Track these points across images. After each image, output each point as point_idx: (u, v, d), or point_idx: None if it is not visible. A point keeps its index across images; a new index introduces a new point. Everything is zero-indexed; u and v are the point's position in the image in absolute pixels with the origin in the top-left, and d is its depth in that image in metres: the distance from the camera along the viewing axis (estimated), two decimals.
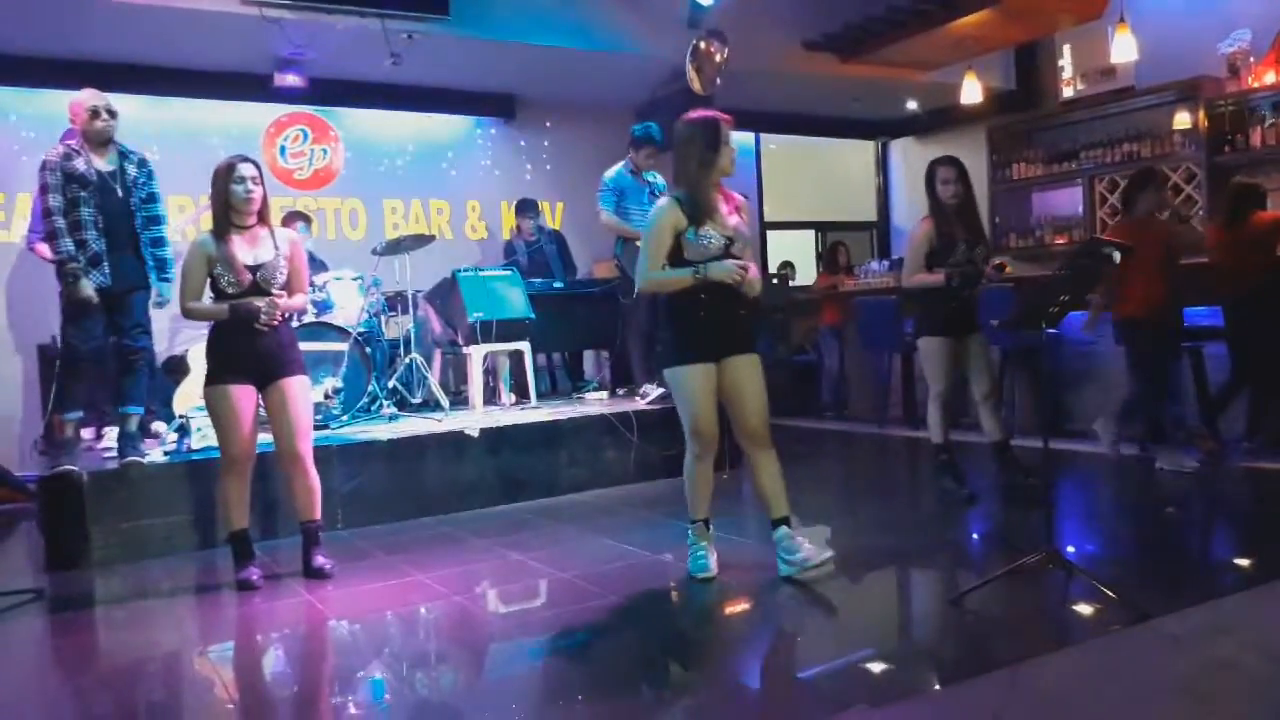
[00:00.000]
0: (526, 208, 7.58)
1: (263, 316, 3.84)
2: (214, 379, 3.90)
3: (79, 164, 4.47)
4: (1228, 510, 4.81)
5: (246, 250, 3.91)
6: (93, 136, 4.52)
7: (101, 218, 4.50)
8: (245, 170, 3.89)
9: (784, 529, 3.62)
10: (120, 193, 4.58)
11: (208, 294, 3.93)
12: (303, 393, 4.01)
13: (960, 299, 4.63)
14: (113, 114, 4.56)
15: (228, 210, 3.89)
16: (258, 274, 3.88)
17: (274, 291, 3.91)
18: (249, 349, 3.88)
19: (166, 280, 4.73)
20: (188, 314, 3.97)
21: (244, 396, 3.89)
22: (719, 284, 3.49)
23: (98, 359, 4.64)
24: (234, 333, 3.87)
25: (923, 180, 4.79)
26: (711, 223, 3.54)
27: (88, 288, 4.43)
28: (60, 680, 3.25)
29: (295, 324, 5.44)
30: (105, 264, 4.50)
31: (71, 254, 4.41)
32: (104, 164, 4.56)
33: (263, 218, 3.98)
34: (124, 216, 4.59)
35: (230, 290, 3.87)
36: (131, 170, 4.64)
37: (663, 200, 3.63)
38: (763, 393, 3.62)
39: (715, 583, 3.59)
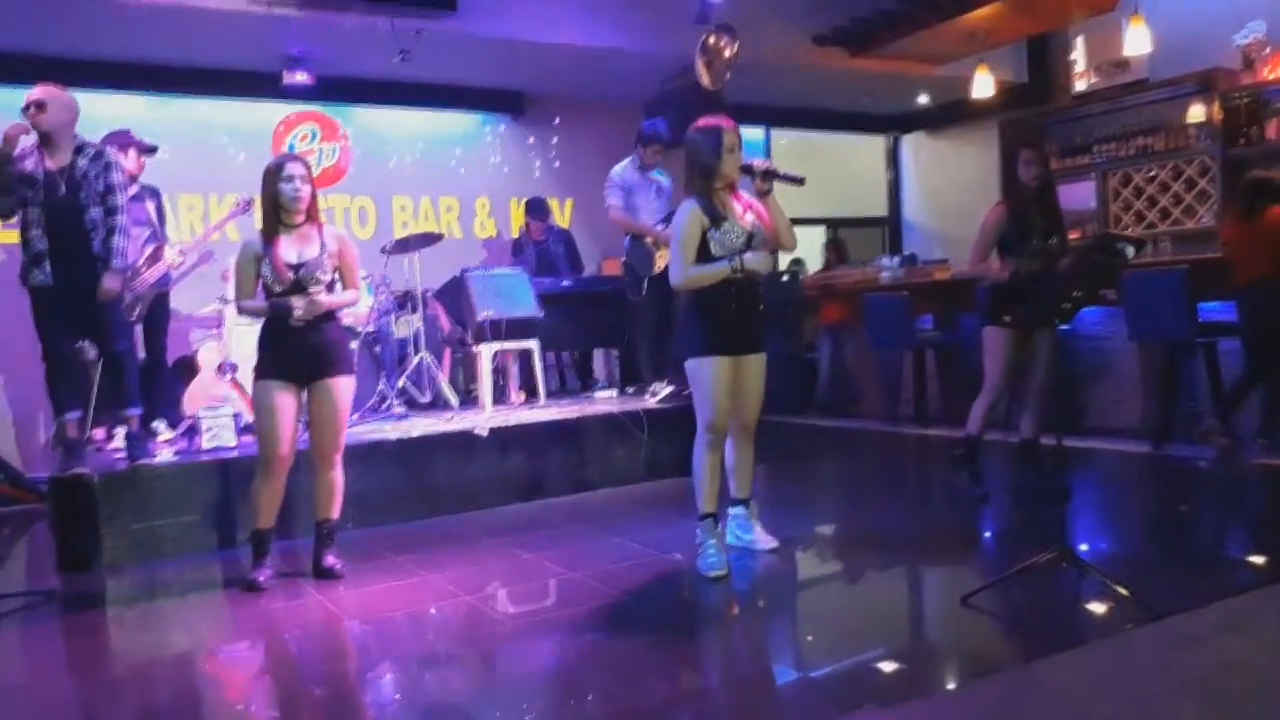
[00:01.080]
0: (537, 209, 7.57)
1: (296, 313, 3.85)
2: (260, 374, 3.94)
3: (29, 164, 4.44)
4: (1242, 508, 4.77)
5: (292, 249, 3.92)
6: (39, 130, 4.43)
7: (45, 216, 4.45)
8: (294, 169, 3.90)
9: (744, 509, 4.03)
10: (65, 189, 4.48)
11: (261, 294, 3.96)
12: (346, 393, 4.03)
13: (1035, 289, 4.29)
14: (40, 107, 4.41)
15: (276, 209, 3.91)
16: (299, 272, 3.89)
17: (314, 289, 3.91)
18: (295, 346, 3.90)
19: (109, 269, 4.54)
20: (241, 311, 4.11)
21: (286, 396, 3.90)
22: (746, 280, 3.67)
23: (80, 359, 4.60)
24: (280, 330, 3.90)
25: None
26: (729, 220, 3.70)
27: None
28: (73, 681, 3.25)
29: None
30: (47, 263, 4.46)
31: (20, 254, 4.44)
32: (54, 161, 4.49)
33: (311, 216, 3.99)
34: (72, 214, 4.49)
35: (275, 289, 3.89)
36: (83, 164, 4.53)
37: (686, 203, 3.76)
38: (763, 389, 3.87)
39: (724, 581, 3.57)
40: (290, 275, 3.88)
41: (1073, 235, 8.77)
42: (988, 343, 4.58)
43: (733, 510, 4.03)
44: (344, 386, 4.00)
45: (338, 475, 4.06)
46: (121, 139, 5.46)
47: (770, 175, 3.79)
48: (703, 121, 3.78)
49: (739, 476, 4.00)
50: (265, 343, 3.96)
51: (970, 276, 4.64)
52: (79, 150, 4.56)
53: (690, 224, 3.68)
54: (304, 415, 4.05)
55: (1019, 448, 4.78)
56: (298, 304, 3.86)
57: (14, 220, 4.55)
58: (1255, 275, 5.27)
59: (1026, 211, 4.48)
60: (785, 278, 9.23)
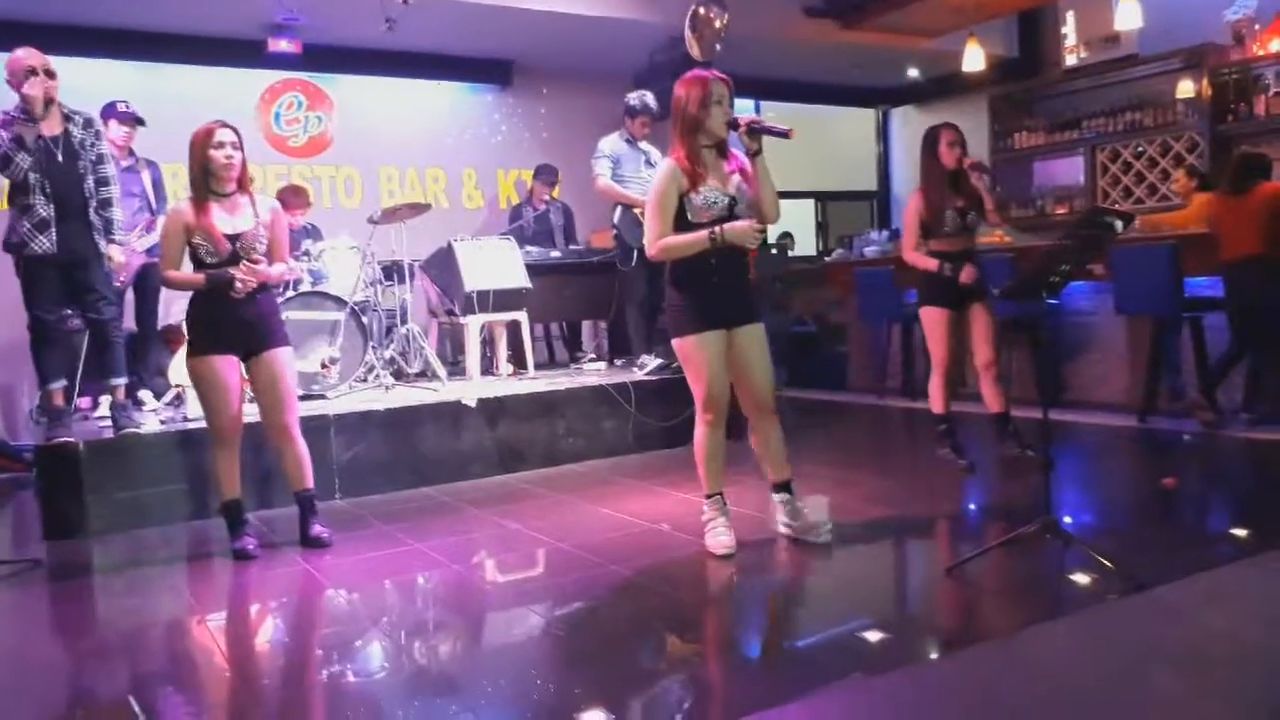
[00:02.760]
0: (546, 172, 7.53)
1: (238, 284, 3.78)
2: (196, 350, 3.85)
3: (20, 129, 4.32)
4: (1225, 480, 4.81)
5: (225, 219, 3.83)
6: (26, 101, 4.32)
7: (47, 183, 4.38)
8: (224, 136, 3.80)
9: (785, 493, 3.71)
10: (64, 158, 4.44)
11: (188, 263, 3.87)
12: (288, 364, 3.99)
13: (959, 272, 4.61)
14: (51, 74, 4.37)
15: (206, 177, 3.81)
16: (237, 243, 3.81)
17: (253, 260, 3.84)
18: (230, 319, 3.82)
19: (115, 242, 4.60)
20: (165, 282, 3.95)
21: (228, 368, 3.85)
22: (730, 249, 3.44)
23: (65, 327, 4.58)
24: (214, 303, 3.81)
25: (922, 141, 4.75)
26: (712, 183, 3.47)
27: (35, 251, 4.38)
28: (60, 648, 3.25)
29: (291, 293, 5.45)
30: (53, 231, 4.40)
31: (14, 221, 4.36)
32: (47, 128, 4.40)
33: (242, 185, 3.90)
34: (73, 183, 4.46)
35: (209, 260, 3.80)
36: (77, 133, 4.49)
37: (663, 162, 3.55)
38: (769, 362, 3.62)
39: (708, 550, 3.58)
40: (228, 246, 3.80)
41: (1060, 210, 8.85)
42: (926, 323, 4.78)
43: (775, 497, 3.75)
44: (285, 356, 3.96)
45: (300, 445, 4.02)
46: (103, 110, 5.38)
47: (756, 130, 3.49)
48: (689, 74, 3.56)
49: (771, 460, 3.71)
50: (200, 317, 3.87)
51: (911, 266, 4.78)
52: (68, 118, 4.50)
53: (667, 185, 3.45)
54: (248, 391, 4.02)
55: (992, 421, 4.88)
56: (241, 276, 3.78)
57: None
58: (1242, 251, 5.29)
59: (939, 195, 4.62)
60: (774, 251, 9.23)
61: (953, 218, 4.61)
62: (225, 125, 3.86)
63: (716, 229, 3.41)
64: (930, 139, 4.68)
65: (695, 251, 3.44)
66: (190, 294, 3.91)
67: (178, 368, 5.35)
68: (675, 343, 3.56)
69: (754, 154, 3.51)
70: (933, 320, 4.74)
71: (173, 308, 6.59)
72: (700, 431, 3.61)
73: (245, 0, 6.40)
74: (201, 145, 3.80)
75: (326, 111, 7.93)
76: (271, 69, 7.50)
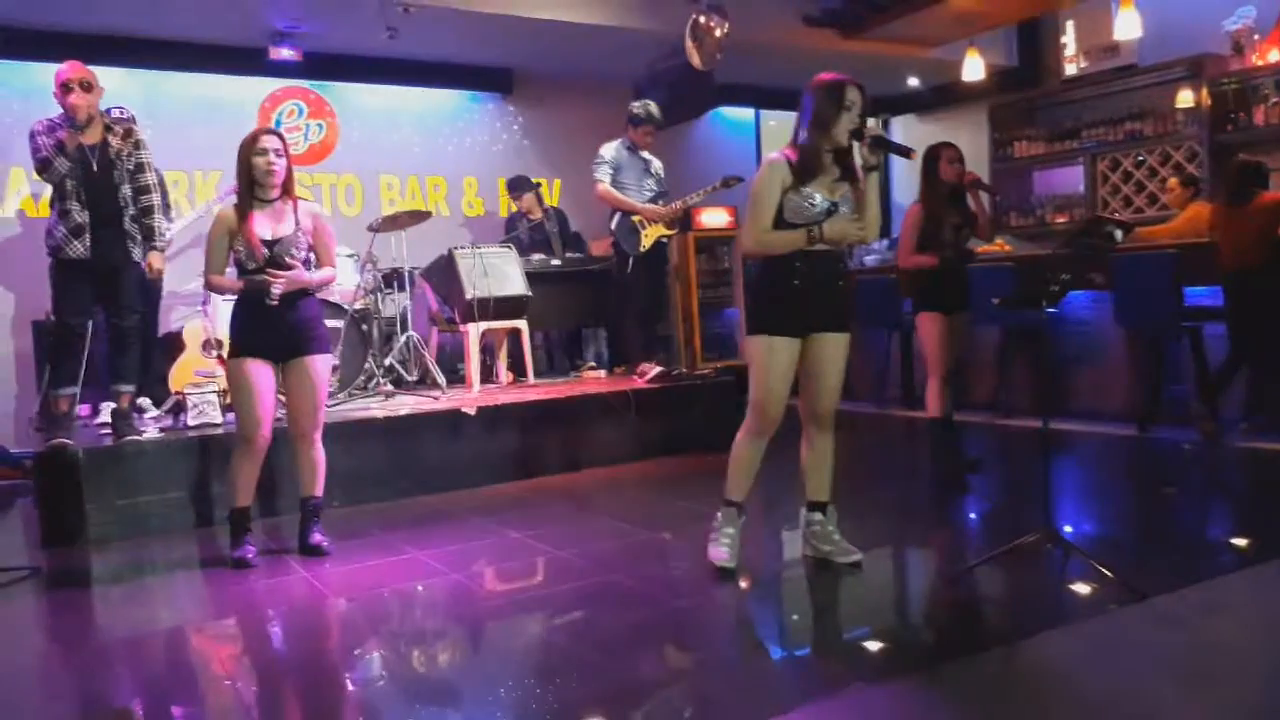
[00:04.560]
0: (514, 185, 7.57)
1: (274, 291, 3.80)
2: (236, 352, 3.90)
3: (61, 135, 4.42)
4: (1226, 490, 4.81)
5: (266, 224, 3.87)
6: (68, 110, 4.42)
7: (84, 191, 4.48)
8: (269, 142, 3.85)
9: (821, 515, 3.55)
10: (100, 167, 4.53)
11: (232, 268, 3.92)
12: (323, 370, 3.99)
13: (954, 276, 4.73)
14: (87, 87, 4.44)
15: (251, 183, 3.86)
16: (274, 248, 3.84)
17: (290, 265, 3.86)
18: (270, 323, 3.85)
19: (155, 249, 4.73)
20: (209, 287, 4.07)
21: (262, 373, 3.86)
22: (820, 251, 3.30)
23: (88, 335, 4.61)
24: (253, 307, 3.85)
25: (923, 158, 4.80)
26: (818, 184, 3.32)
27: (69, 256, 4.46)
28: (59, 656, 3.24)
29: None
30: (87, 236, 4.48)
31: (52, 226, 4.45)
32: (86, 138, 4.50)
33: (287, 191, 3.94)
34: (108, 191, 4.56)
35: (249, 264, 3.84)
36: (115, 143, 4.58)
37: (771, 155, 3.40)
38: (842, 375, 3.47)
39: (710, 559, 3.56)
40: (265, 251, 3.82)
41: (1060, 219, 8.86)
42: (922, 328, 4.82)
43: (809, 515, 3.58)
44: (321, 363, 3.97)
45: (319, 452, 4.04)
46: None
47: (880, 144, 3.37)
48: (824, 75, 3.40)
49: (815, 476, 3.55)
50: (240, 320, 3.91)
51: (909, 269, 4.83)
52: (108, 129, 4.59)
53: (770, 179, 3.30)
54: (280, 393, 4.03)
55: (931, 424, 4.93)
56: (275, 284, 3.80)
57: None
58: (1242, 260, 5.29)
59: (939, 208, 4.73)
60: None
61: (949, 232, 4.71)
62: (271, 132, 3.92)
63: (817, 227, 3.28)
64: (931, 156, 4.78)
65: (790, 249, 3.30)
66: (234, 299, 3.96)
67: (178, 376, 5.35)
68: (746, 339, 3.43)
69: (870, 169, 3.38)
70: (930, 325, 4.77)
71: (172, 315, 6.61)
72: (742, 436, 3.46)
73: (247, 8, 6.41)
74: (247, 151, 3.85)
75: (327, 119, 7.94)
76: (272, 77, 7.51)
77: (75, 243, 4.47)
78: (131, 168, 4.65)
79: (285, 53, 7.00)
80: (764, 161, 3.41)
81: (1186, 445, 5.41)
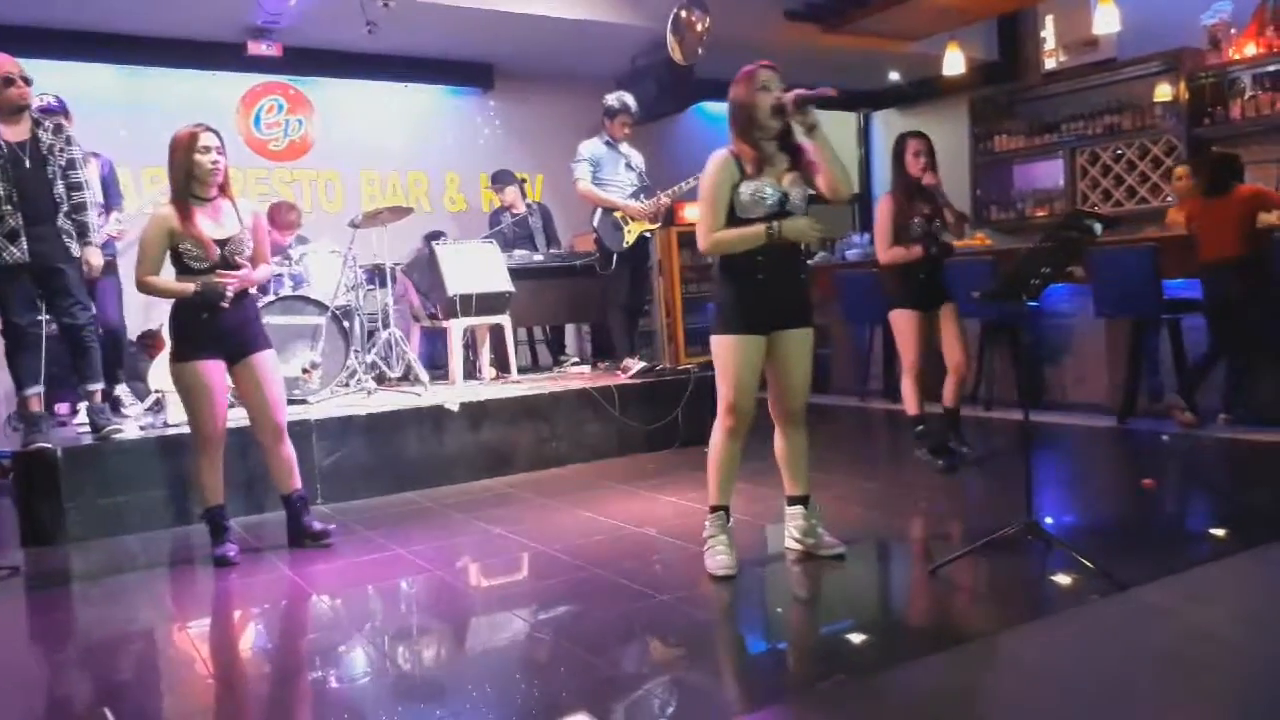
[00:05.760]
0: (499, 179, 7.55)
1: (228, 293, 3.76)
2: (181, 356, 3.82)
3: None
4: (1204, 481, 4.85)
5: (210, 224, 3.80)
6: (5, 105, 4.30)
7: (15, 191, 4.33)
8: (209, 140, 3.78)
9: (802, 508, 3.56)
10: (32, 164, 4.39)
11: (168, 268, 3.83)
12: (274, 366, 3.98)
13: (929, 272, 4.74)
14: (28, 81, 4.36)
15: (190, 182, 3.78)
16: (225, 248, 3.79)
17: (240, 265, 3.82)
18: (214, 324, 3.80)
19: (89, 244, 4.56)
20: (144, 288, 3.83)
21: (214, 372, 3.82)
22: (780, 248, 3.25)
23: (40, 332, 4.53)
24: (198, 308, 3.78)
25: (892, 148, 4.84)
26: (765, 177, 3.28)
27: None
28: (37, 656, 3.22)
29: (272, 297, 5.41)
30: (23, 239, 4.35)
31: None
32: (15, 134, 4.37)
33: (224, 189, 3.88)
34: (41, 188, 4.41)
35: (196, 265, 3.77)
36: (46, 139, 4.44)
37: (717, 152, 3.34)
38: (810, 370, 3.45)
39: (694, 553, 3.56)
40: (217, 251, 3.77)
41: (1040, 213, 8.91)
42: (896, 325, 4.85)
43: (790, 509, 3.60)
44: (270, 358, 3.96)
45: (287, 447, 4.02)
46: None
47: (804, 101, 3.20)
48: (740, 71, 3.35)
49: (792, 470, 3.54)
50: (183, 321, 3.83)
51: (889, 264, 4.81)
52: (36, 123, 4.46)
53: (718, 177, 3.25)
54: (230, 395, 4.00)
55: (942, 415, 4.98)
56: (229, 282, 3.75)
57: None
58: (1220, 252, 5.33)
59: (909, 200, 4.73)
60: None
61: (920, 224, 4.71)
62: (208, 129, 3.82)
63: (775, 223, 3.22)
64: (898, 147, 4.79)
65: (749, 247, 3.26)
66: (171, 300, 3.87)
67: (156, 373, 5.31)
68: (711, 339, 3.39)
69: (811, 130, 3.26)
70: (903, 322, 4.80)
71: (152, 313, 6.55)
72: (717, 437, 3.41)
73: (225, 3, 6.36)
74: (186, 149, 3.76)
75: (307, 115, 7.89)
76: (252, 72, 7.46)
77: (11, 247, 4.32)
78: (64, 164, 4.48)
79: (264, 48, 6.97)
80: (710, 159, 3.33)
81: (1166, 436, 5.45)
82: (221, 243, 3.79)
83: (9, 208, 4.32)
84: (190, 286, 3.75)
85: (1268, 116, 7.33)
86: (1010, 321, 6.27)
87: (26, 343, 4.51)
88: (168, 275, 3.84)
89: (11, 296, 4.44)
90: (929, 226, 4.72)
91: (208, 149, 3.76)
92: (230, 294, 3.77)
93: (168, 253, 3.80)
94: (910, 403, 4.91)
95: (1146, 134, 8.15)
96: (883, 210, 4.80)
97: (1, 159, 4.31)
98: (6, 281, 4.42)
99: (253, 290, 4.02)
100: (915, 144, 4.73)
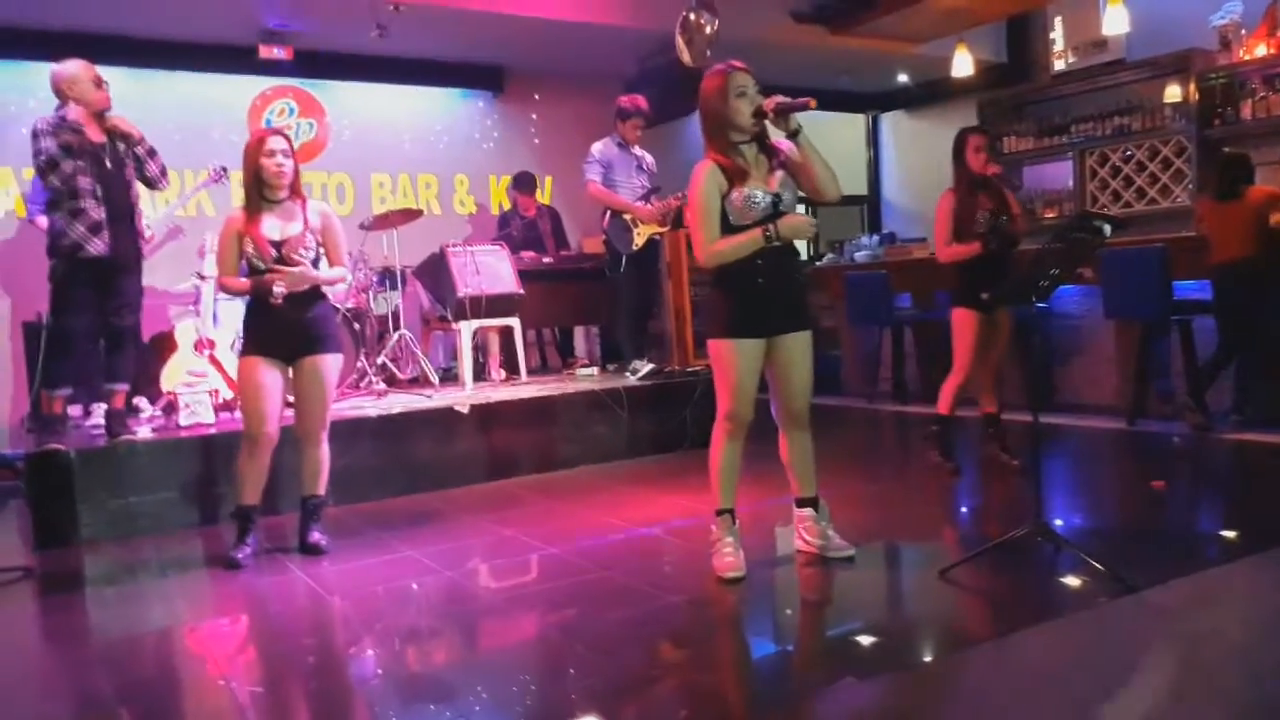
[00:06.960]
0: (524, 182, 7.55)
1: (277, 290, 3.81)
2: (245, 351, 3.94)
3: (67, 136, 4.43)
4: (1214, 483, 4.84)
5: (275, 225, 3.88)
6: (94, 106, 4.51)
7: (99, 187, 4.49)
8: (276, 144, 3.86)
9: (811, 510, 3.57)
10: (112, 164, 4.58)
11: (245, 271, 3.93)
12: (333, 370, 4.01)
13: (995, 268, 4.51)
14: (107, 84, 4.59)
15: (259, 185, 3.86)
16: (282, 249, 3.85)
17: (297, 265, 3.86)
18: (280, 323, 3.86)
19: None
20: (220, 288, 4.09)
21: (269, 372, 3.88)
22: (777, 250, 3.26)
23: (88, 335, 4.61)
24: (265, 307, 3.86)
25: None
26: (752, 181, 3.27)
27: (90, 254, 4.45)
28: (50, 658, 3.24)
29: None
30: (106, 232, 4.49)
31: (65, 226, 4.44)
32: (97, 135, 4.54)
33: (294, 191, 3.95)
34: (120, 188, 4.60)
35: (258, 266, 3.85)
36: (120, 143, 4.63)
37: (700, 163, 3.31)
38: (811, 372, 3.44)
39: (701, 555, 3.57)
40: (273, 252, 3.84)
41: (1049, 214, 8.88)
42: (956, 324, 4.68)
43: (798, 511, 3.60)
44: (330, 363, 3.98)
45: (324, 452, 4.05)
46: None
47: (782, 110, 3.22)
48: (708, 70, 3.33)
49: (799, 472, 3.54)
50: (250, 320, 3.95)
51: (949, 261, 4.69)
52: (109, 129, 4.63)
53: (706, 188, 3.23)
54: (289, 392, 4.04)
55: (982, 422, 4.91)
56: (277, 284, 3.81)
57: None
58: (1230, 254, 5.32)
59: (972, 196, 4.63)
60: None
61: (984, 219, 4.59)
62: (277, 133, 3.93)
63: (771, 226, 3.22)
64: (958, 144, 4.69)
65: (749, 252, 3.25)
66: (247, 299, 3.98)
67: (170, 375, 5.34)
68: (709, 341, 3.38)
69: (793, 135, 3.28)
70: (964, 322, 4.64)
71: (166, 314, 6.58)
72: (718, 440, 3.41)
73: (238, 7, 6.39)
74: (254, 153, 3.85)
75: (318, 118, 7.92)
76: (263, 75, 7.50)
77: (95, 239, 4.46)
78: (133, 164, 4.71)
79: (276, 51, 7.00)
80: (695, 171, 3.30)
81: (1175, 438, 5.45)
82: (278, 244, 3.85)
83: (93, 202, 4.46)
84: (248, 284, 3.87)
85: (1278, 117, 7.30)
86: (1020, 323, 6.25)
87: (70, 344, 4.58)
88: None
89: (75, 297, 4.53)
90: (995, 220, 4.59)
91: (273, 153, 3.84)
92: (279, 291, 3.81)
93: (240, 254, 3.89)
94: (946, 401, 4.76)
95: (1156, 135, 8.12)
96: (943, 207, 4.68)
97: (88, 155, 4.46)
98: (79, 276, 4.51)
99: (329, 292, 4.07)
100: (976, 139, 4.63)
